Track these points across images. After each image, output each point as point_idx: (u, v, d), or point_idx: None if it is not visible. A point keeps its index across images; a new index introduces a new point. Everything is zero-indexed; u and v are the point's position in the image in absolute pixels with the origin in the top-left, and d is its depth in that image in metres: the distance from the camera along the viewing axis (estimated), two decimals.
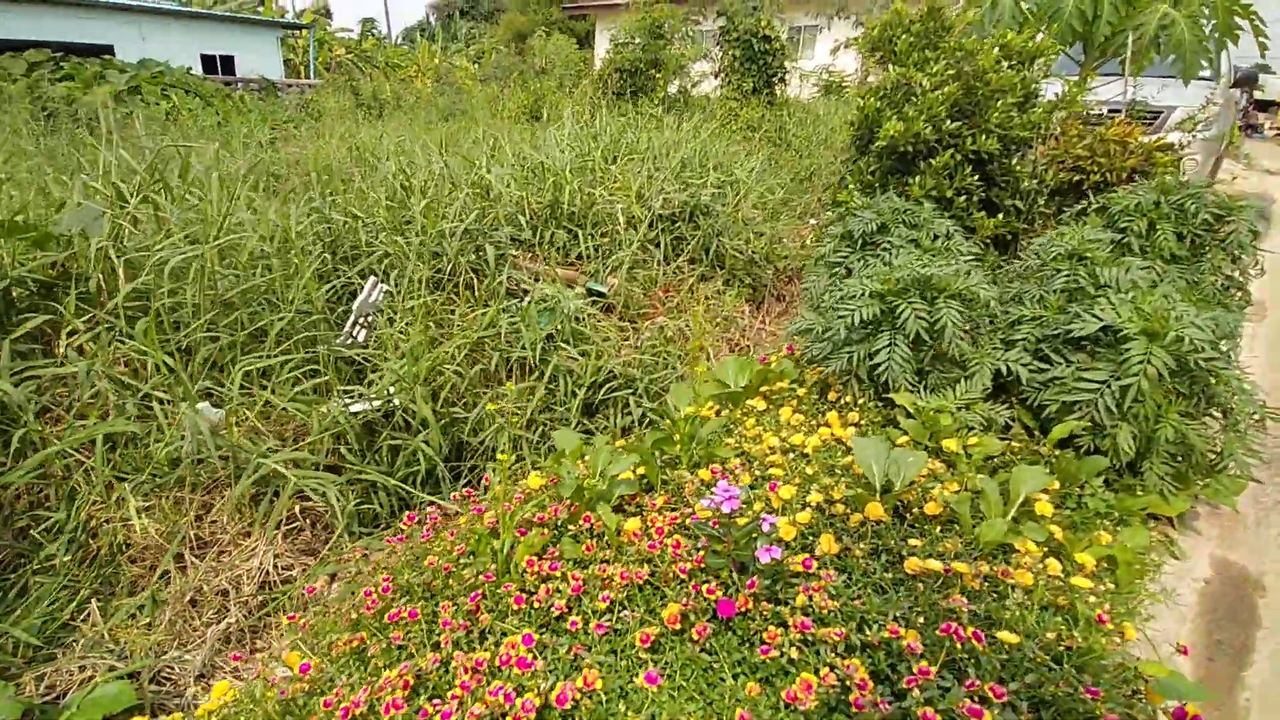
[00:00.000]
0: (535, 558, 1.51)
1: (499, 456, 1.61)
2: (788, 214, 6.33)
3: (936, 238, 3.16)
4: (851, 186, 3.79)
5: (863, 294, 2.54)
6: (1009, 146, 3.81)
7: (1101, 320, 2.22)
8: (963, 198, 3.61)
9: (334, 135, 8.00)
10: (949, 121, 3.50)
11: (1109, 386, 2.16)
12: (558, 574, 1.47)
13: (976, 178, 3.60)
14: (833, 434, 2.45)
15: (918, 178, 3.45)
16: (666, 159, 6.03)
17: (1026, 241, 3.94)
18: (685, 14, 12.86)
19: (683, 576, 1.46)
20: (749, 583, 1.43)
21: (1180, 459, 2.22)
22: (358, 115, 11.87)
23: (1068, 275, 2.52)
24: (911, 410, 2.37)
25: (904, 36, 3.53)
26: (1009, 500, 1.90)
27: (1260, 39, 4.64)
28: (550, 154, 5.70)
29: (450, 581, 1.52)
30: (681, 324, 4.37)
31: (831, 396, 2.74)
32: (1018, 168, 3.79)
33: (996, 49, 3.98)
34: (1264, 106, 30.41)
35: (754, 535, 1.48)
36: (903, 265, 2.58)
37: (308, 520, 2.35)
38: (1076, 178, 4.10)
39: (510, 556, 1.52)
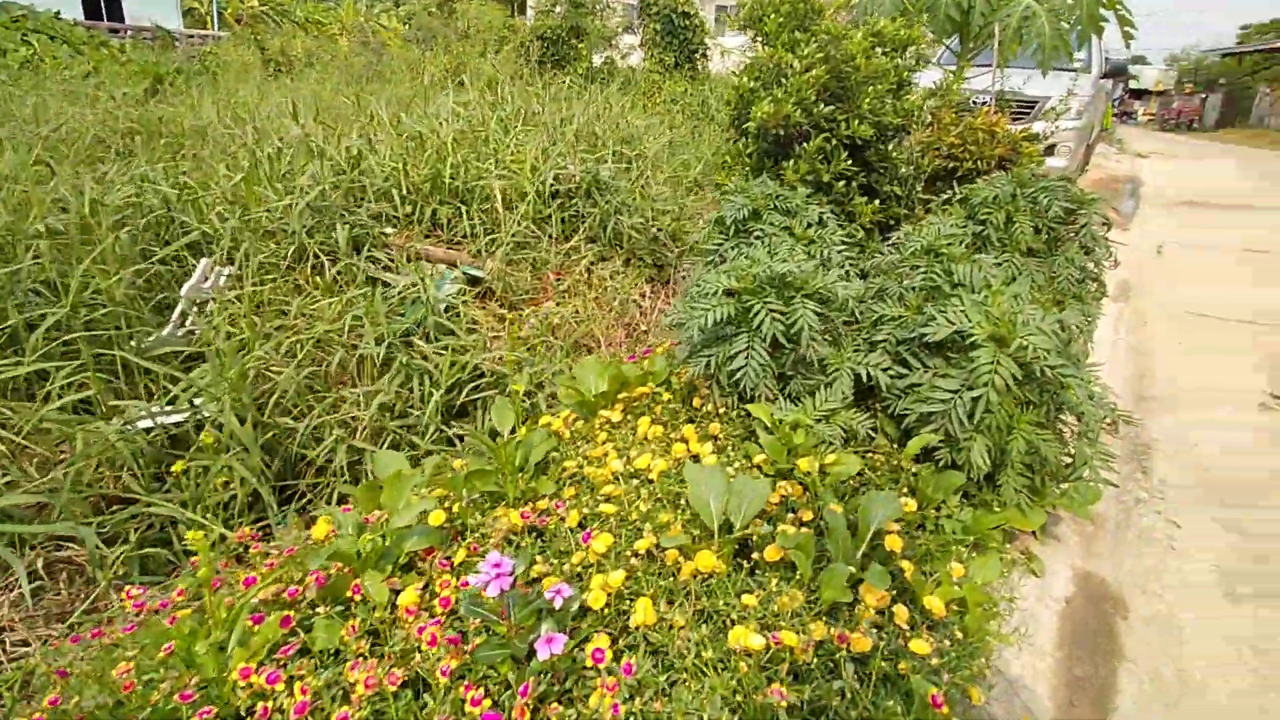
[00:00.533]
0: (254, 664, 1.13)
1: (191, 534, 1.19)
2: (708, 189, 5.99)
3: (810, 225, 2.89)
4: (732, 168, 3.48)
5: (716, 292, 2.23)
6: (884, 133, 3.58)
7: (952, 324, 1.98)
8: (841, 183, 3.35)
9: (223, 94, 7.09)
10: (821, 105, 3.22)
11: (961, 397, 1.93)
12: (280, 687, 1.09)
13: (852, 163, 3.35)
14: (689, 450, 2.15)
15: (792, 162, 3.16)
16: (564, 130, 5.56)
17: (909, 227, 3.76)
18: None
19: (444, 680, 1.11)
20: (522, 689, 1.10)
21: (1035, 470, 2.03)
22: (260, 73, 10.72)
23: (925, 272, 2.28)
24: (769, 424, 2.10)
25: (773, 16, 3.20)
26: (858, 534, 1.64)
27: (1126, 29, 4.56)
28: (437, 122, 5.14)
29: (135, 704, 1.11)
30: (570, 310, 3.98)
31: (696, 403, 2.45)
32: (894, 154, 3.57)
33: (869, 36, 3.73)
34: (1138, 95, 32.24)
35: (541, 614, 1.15)
36: (758, 260, 2.28)
37: (65, 573, 1.88)
38: (951, 164, 3.92)
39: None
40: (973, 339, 1.95)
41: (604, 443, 2.27)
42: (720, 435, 2.24)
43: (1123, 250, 5.87)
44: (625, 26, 11.99)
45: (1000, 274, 2.32)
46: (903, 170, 3.65)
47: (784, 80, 3.20)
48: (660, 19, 11.14)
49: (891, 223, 3.69)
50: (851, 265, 2.84)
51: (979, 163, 3.88)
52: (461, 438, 2.74)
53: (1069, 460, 2.11)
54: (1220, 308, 4.36)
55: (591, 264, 4.53)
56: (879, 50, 3.76)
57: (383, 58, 13.61)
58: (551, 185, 4.54)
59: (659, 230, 4.73)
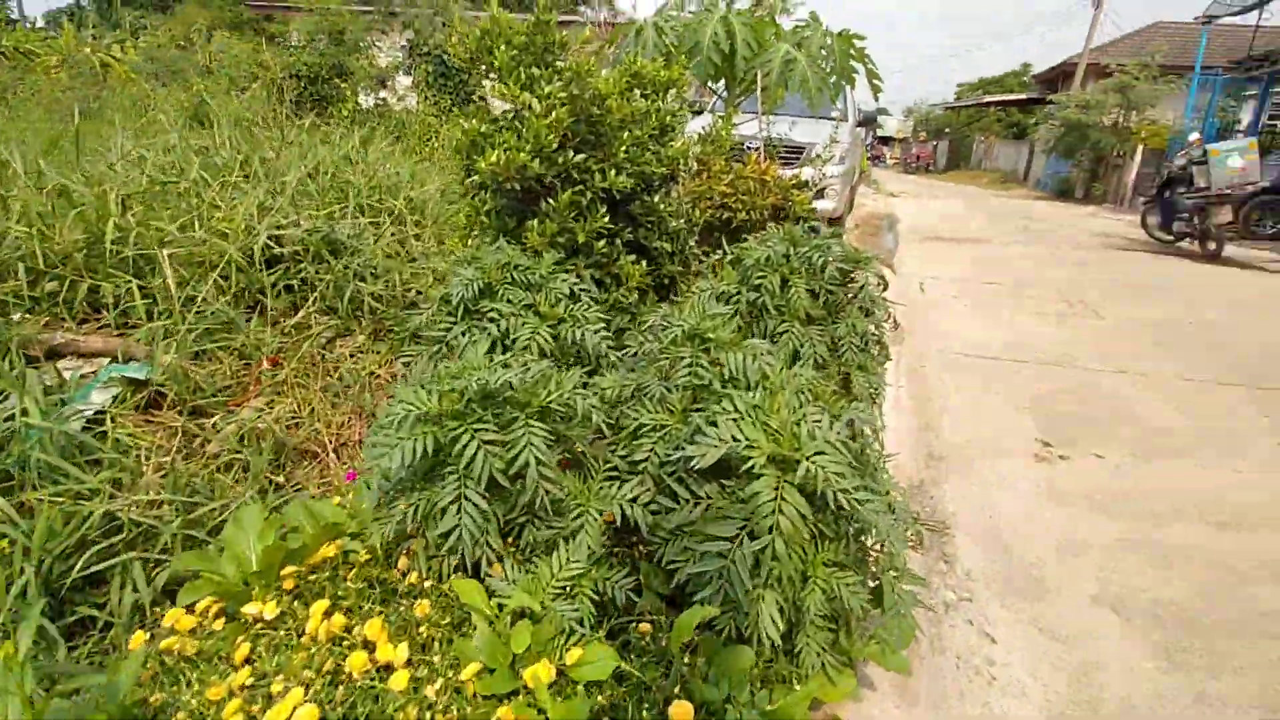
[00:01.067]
0: None
1: None
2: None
3: (560, 300, 2.30)
4: (469, 230, 2.82)
5: (408, 419, 1.53)
6: (650, 183, 3.14)
7: (723, 443, 1.45)
8: (603, 242, 2.82)
9: None
10: (570, 153, 2.68)
11: (741, 549, 1.39)
12: None
13: (613, 218, 2.86)
14: (374, 661, 1.40)
15: (535, 222, 2.57)
16: (286, 181, 4.57)
17: (685, 285, 3.34)
18: (368, 24, 11.14)
19: None
20: None
21: (838, 621, 1.55)
22: None
23: (689, 364, 1.76)
24: (489, 613, 1.42)
25: (504, 49, 2.63)
26: None
27: (874, 81, 4.65)
28: (109, 170, 3.94)
29: None
30: (287, 408, 3.04)
31: (402, 565, 1.70)
32: (662, 206, 3.13)
33: (627, 77, 3.33)
34: (885, 141, 36.98)
35: None
36: (470, 367, 1.62)
37: None
38: (724, 215, 3.58)
39: None
40: (750, 463, 1.43)
41: (242, 664, 1.45)
42: (426, 625, 1.52)
43: (892, 289, 6.10)
44: (398, 67, 11.09)
45: (778, 359, 1.86)
46: (673, 224, 3.23)
47: (520, 124, 2.62)
48: (432, 60, 10.40)
49: (667, 282, 3.25)
50: (616, 345, 2.30)
51: (752, 213, 3.59)
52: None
53: (874, 597, 1.67)
54: (979, 345, 4.48)
55: (328, 342, 3.62)
56: (637, 92, 3.36)
57: (103, 93, 11.41)
58: (271, 248, 3.60)
59: (419, 294, 3.94)
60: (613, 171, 2.81)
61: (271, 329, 3.53)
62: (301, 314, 3.65)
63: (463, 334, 2.24)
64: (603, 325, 2.27)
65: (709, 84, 4.76)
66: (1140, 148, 16.04)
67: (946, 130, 31.66)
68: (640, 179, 3.11)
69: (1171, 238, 9.57)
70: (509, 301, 2.28)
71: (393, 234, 4.34)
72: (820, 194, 7.63)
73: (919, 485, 2.70)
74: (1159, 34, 21.04)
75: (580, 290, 2.39)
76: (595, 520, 1.55)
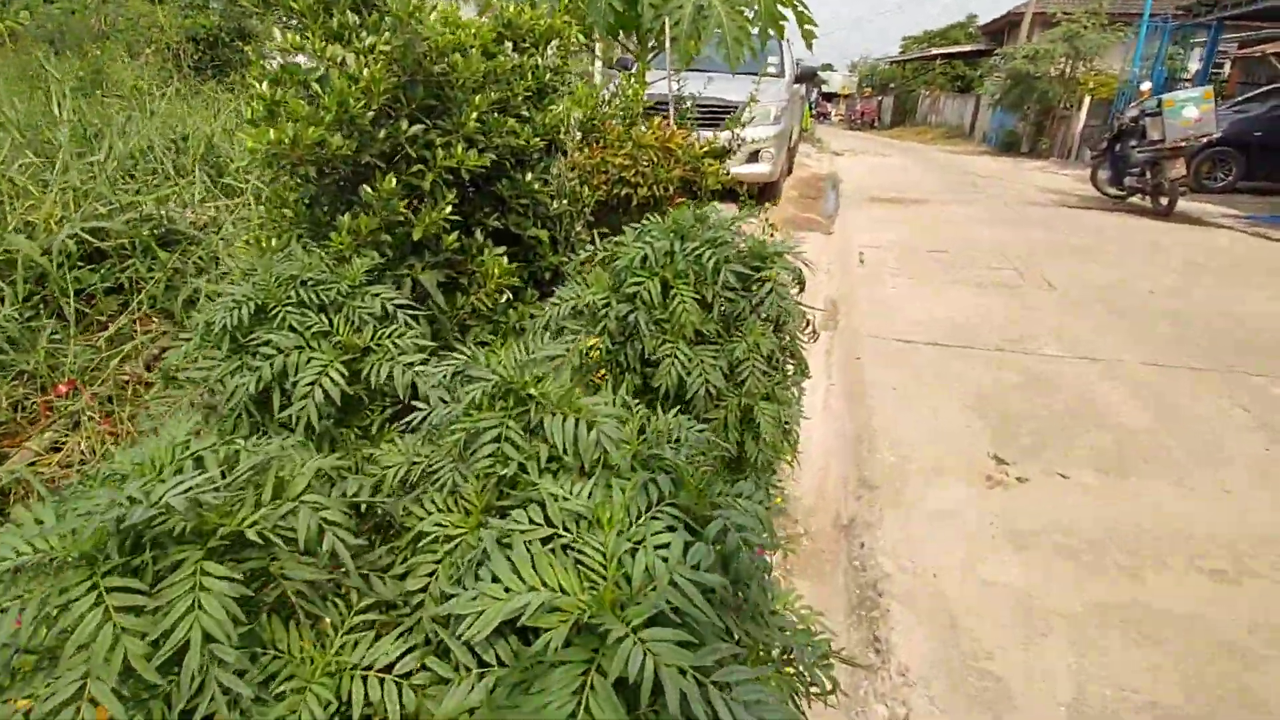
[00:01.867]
0: None
1: None
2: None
3: (367, 323, 1.71)
4: (273, 226, 2.17)
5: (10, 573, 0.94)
6: (521, 158, 2.53)
7: (510, 594, 0.91)
8: (454, 234, 2.21)
9: None
10: (405, 125, 2.05)
11: None
12: None
13: (463, 205, 2.25)
14: None
15: (347, 217, 1.95)
16: (111, 157, 3.81)
17: (575, 278, 2.77)
18: None
19: None
20: None
21: None
22: None
23: (495, 439, 1.20)
24: None
25: None
26: None
27: (806, 27, 4.05)
28: None
29: None
30: (84, 443, 2.45)
31: None
32: (537, 186, 2.52)
33: (498, 27, 2.69)
34: (830, 98, 36.34)
35: None
36: (121, 472, 1.03)
37: None
38: (624, 191, 2.99)
39: None
40: (548, 637, 0.89)
41: None
42: None
43: (828, 260, 5.62)
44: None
45: (633, 418, 1.32)
46: (554, 206, 2.63)
47: (322, 88, 1.97)
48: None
49: (548, 276, 2.67)
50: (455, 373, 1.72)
51: (656, 188, 3.01)
52: None
53: None
54: (922, 328, 4.03)
55: (158, 356, 2.95)
56: (509, 46, 2.71)
57: None
58: (90, 243, 2.93)
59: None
60: (461, 146, 2.18)
61: (81, 341, 2.86)
62: (114, 325, 2.98)
63: (232, 372, 1.64)
64: (422, 354, 1.69)
65: (613, 38, 4.10)
66: (1087, 99, 15.85)
67: (892, 85, 31.25)
68: (510, 153, 2.49)
69: (1123, 193, 9.32)
70: (293, 329, 1.67)
71: (260, 220, 3.64)
72: (754, 158, 7.07)
73: (848, 526, 2.22)
74: None
75: (398, 306, 1.79)
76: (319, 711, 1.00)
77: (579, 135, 2.95)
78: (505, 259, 2.33)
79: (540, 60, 2.72)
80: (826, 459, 2.65)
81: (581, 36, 2.96)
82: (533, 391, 1.27)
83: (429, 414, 1.28)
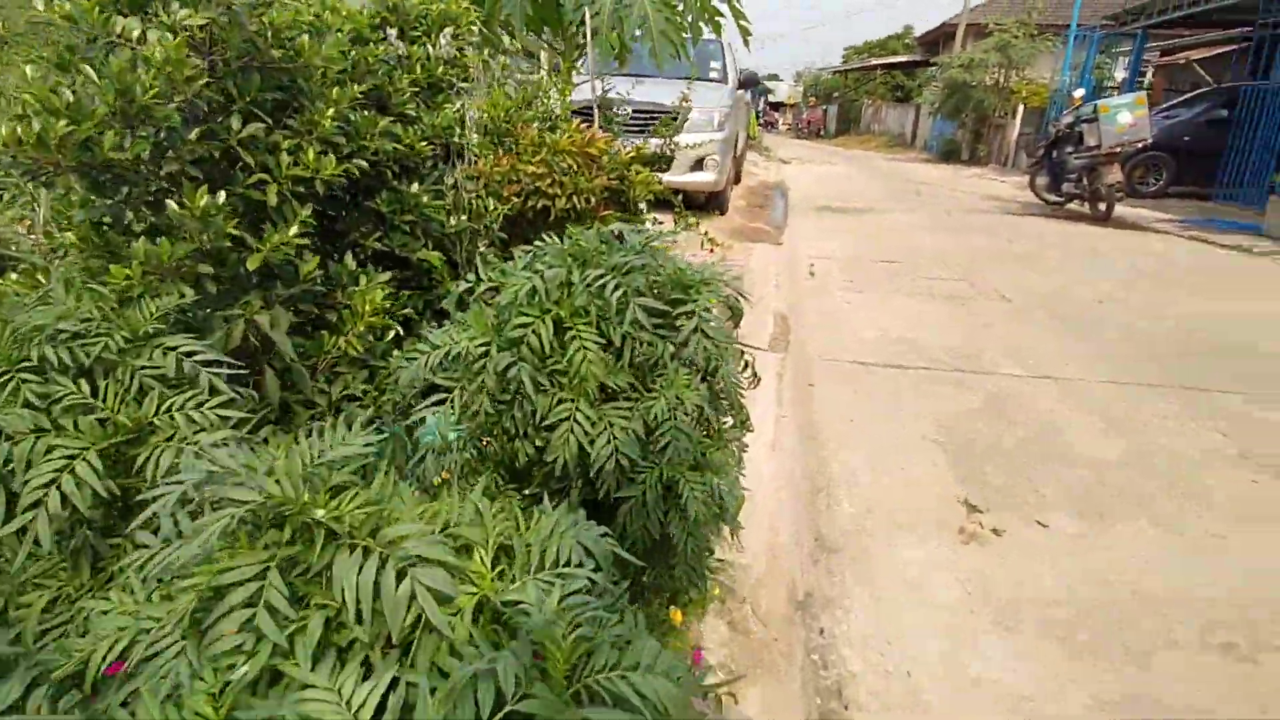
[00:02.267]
0: None
1: None
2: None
3: (148, 392, 1.26)
4: (45, 253, 1.68)
5: None
6: (406, 167, 2.09)
7: None
8: (313, 262, 1.75)
9: None
10: (238, 122, 1.60)
11: None
12: None
13: (360, 217, 1.80)
14: None
15: (141, 243, 1.47)
16: None
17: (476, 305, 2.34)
18: None
19: None
20: None
21: None
22: None
23: (249, 597, 0.76)
24: None
25: None
26: None
27: (742, 23, 3.72)
28: None
29: None
30: None
31: None
32: (426, 200, 2.09)
33: (381, 10, 2.27)
34: (777, 107, 36.68)
35: None
36: None
37: None
38: (540, 204, 2.57)
39: None
40: None
41: None
42: None
43: (778, 272, 5.31)
44: None
45: (475, 555, 0.90)
46: (451, 223, 2.19)
47: (97, 68, 1.50)
48: None
49: (439, 304, 2.23)
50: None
51: (576, 199, 2.60)
52: None
53: None
54: (877, 347, 3.73)
55: None
56: (394, 33, 2.28)
57: None
58: None
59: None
60: (314, 151, 1.73)
61: None
62: None
63: None
64: (231, 432, 1.23)
65: (530, 31, 3.69)
66: (1021, 107, 16.16)
67: (836, 95, 31.71)
68: (392, 160, 2.05)
69: (1061, 199, 9.35)
70: (30, 404, 1.20)
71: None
72: (699, 166, 6.74)
73: (805, 602, 1.84)
74: None
75: (204, 363, 1.33)
76: None
77: (490, 140, 2.52)
78: (387, 288, 1.88)
79: (432, 51, 2.29)
80: (779, 512, 2.27)
81: (477, 26, 2.53)
82: (320, 515, 0.84)
83: (152, 554, 0.83)
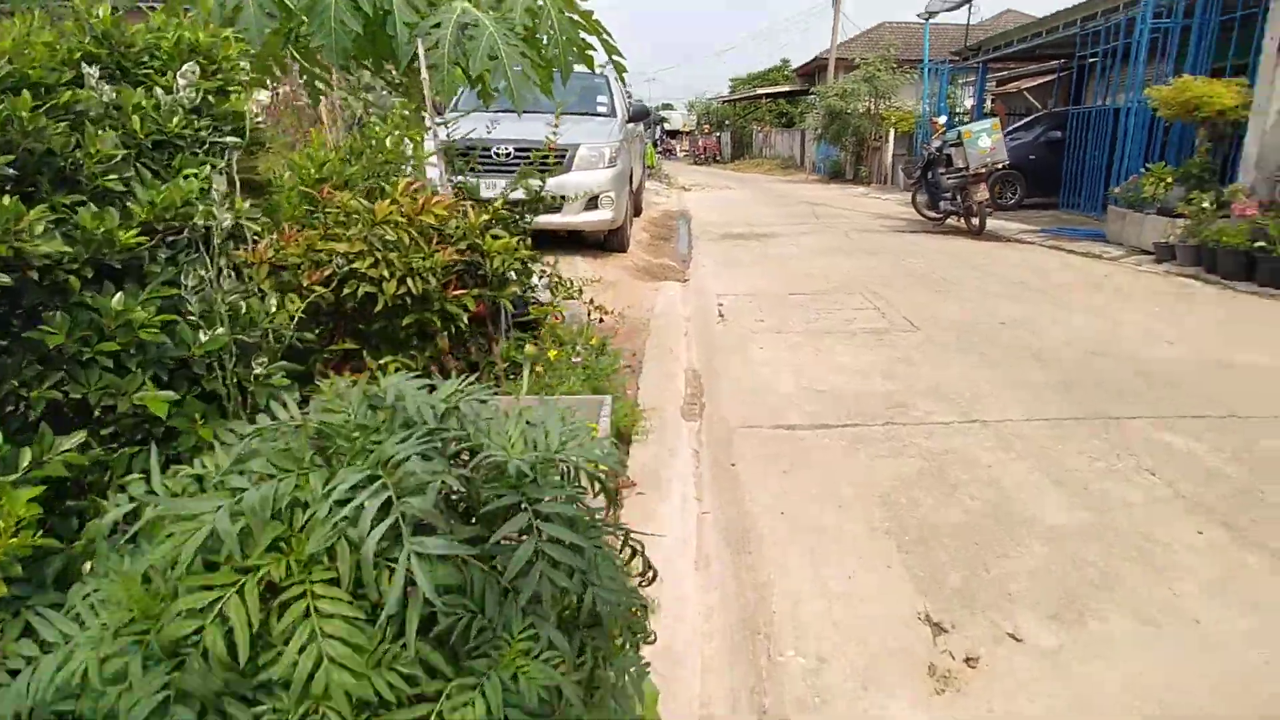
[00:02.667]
0: None
1: None
2: None
3: None
4: None
5: None
6: (118, 266, 1.33)
7: None
8: None
9: None
10: None
11: None
12: None
13: None
14: None
15: None
16: None
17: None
18: None
19: None
20: None
21: None
22: None
23: None
24: None
25: None
26: None
27: (615, 59, 3.12)
28: None
29: None
30: None
31: None
32: (142, 315, 1.32)
33: (89, 45, 1.50)
34: (674, 135, 36.84)
35: None
36: None
37: None
38: (364, 290, 1.86)
39: None
40: None
41: None
42: None
43: (688, 318, 4.74)
44: None
45: None
46: (202, 339, 1.43)
47: None
48: None
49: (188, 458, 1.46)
50: None
51: (412, 281, 1.89)
52: None
53: None
54: (800, 405, 3.19)
55: None
56: (95, 71, 1.51)
57: None
58: None
59: None
60: None
61: None
62: None
63: None
64: None
65: (351, 67, 2.95)
66: (892, 131, 16.62)
67: (727, 122, 32.20)
68: (78, 263, 1.28)
69: (940, 215, 9.38)
70: None
71: None
72: (594, 204, 6.13)
73: None
74: (888, 31, 22.38)
75: None
76: None
77: (302, 209, 1.78)
78: (74, 462, 1.11)
79: (164, 96, 1.53)
80: (710, 672, 1.63)
81: (237, 60, 1.79)
82: None
83: None
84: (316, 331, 2.05)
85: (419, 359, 2.12)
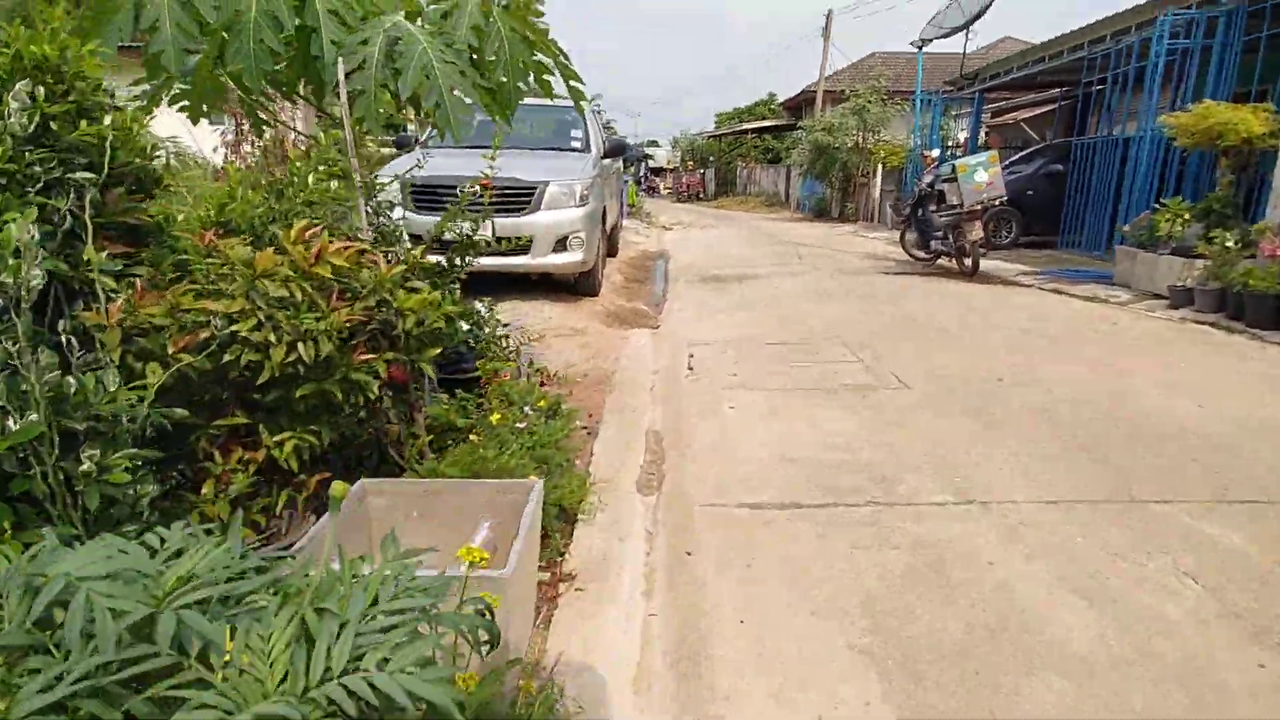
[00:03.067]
0: None
1: None
2: None
3: None
4: None
5: None
6: None
7: None
8: None
9: None
10: None
11: None
12: None
13: None
14: None
15: None
16: None
17: None
18: None
19: None
20: None
21: None
22: None
23: None
24: None
25: None
26: None
27: (572, 84, 3.00)
28: None
29: None
30: None
31: None
32: None
33: None
34: (658, 172, 37.43)
35: None
36: None
37: None
38: (247, 358, 1.63)
39: None
40: None
41: None
42: None
43: (655, 369, 4.56)
44: None
45: None
46: (11, 426, 1.20)
47: None
48: None
49: None
50: None
51: (305, 347, 1.68)
52: None
53: None
54: (770, 478, 2.98)
55: None
56: None
57: None
58: None
59: None
60: None
61: None
62: None
63: None
64: None
65: (286, 92, 2.79)
66: (881, 166, 16.91)
67: (712, 159, 32.76)
68: None
69: (930, 256, 9.40)
70: None
71: None
72: (562, 245, 5.99)
73: None
74: (879, 62, 23.07)
75: None
76: None
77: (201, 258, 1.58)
78: None
79: None
80: None
81: (97, 79, 1.61)
82: None
83: None
84: (206, 400, 1.82)
85: (324, 433, 1.90)
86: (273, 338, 1.64)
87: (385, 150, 7.23)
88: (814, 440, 3.30)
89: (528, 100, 3.15)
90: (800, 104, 25.44)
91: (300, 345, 1.66)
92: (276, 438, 1.80)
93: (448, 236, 2.83)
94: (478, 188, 5.77)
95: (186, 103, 2.85)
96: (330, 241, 1.83)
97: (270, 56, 2.30)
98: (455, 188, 5.73)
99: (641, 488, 2.84)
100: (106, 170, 1.60)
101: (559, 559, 2.28)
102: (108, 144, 1.65)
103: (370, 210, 2.90)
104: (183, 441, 1.75)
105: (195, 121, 2.94)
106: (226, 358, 1.65)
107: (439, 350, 2.02)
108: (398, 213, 3.44)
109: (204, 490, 1.73)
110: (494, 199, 5.91)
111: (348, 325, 1.75)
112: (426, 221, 2.99)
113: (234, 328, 1.62)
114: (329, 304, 1.73)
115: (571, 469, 2.85)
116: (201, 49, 2.55)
